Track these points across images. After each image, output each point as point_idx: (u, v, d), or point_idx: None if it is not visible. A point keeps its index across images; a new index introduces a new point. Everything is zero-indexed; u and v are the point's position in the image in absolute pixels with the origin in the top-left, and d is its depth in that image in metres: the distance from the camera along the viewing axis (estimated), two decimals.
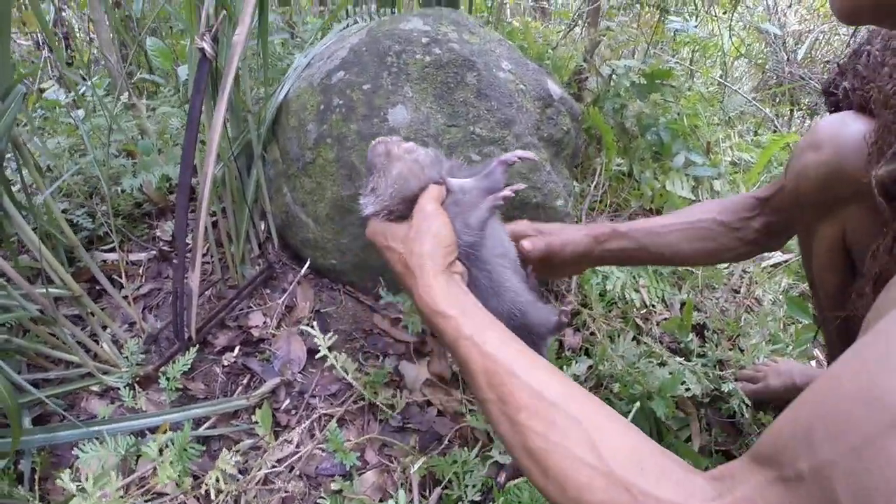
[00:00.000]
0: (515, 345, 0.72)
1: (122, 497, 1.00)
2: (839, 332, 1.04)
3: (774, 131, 3.11)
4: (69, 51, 2.63)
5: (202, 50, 1.22)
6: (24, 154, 1.19)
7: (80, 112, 2.02)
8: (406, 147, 0.90)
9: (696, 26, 2.61)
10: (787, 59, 3.82)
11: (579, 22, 2.65)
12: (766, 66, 3.95)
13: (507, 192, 0.89)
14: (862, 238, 0.91)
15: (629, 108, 2.21)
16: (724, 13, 3.59)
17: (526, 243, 1.03)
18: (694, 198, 2.14)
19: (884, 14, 0.69)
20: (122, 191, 1.65)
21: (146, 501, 1.05)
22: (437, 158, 0.91)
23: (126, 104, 2.04)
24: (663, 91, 2.31)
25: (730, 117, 3.09)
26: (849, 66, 0.97)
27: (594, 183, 1.98)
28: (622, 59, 2.22)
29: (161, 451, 1.05)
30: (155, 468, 1.06)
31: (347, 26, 1.76)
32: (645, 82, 2.18)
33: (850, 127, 0.90)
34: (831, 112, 0.99)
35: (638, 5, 3.08)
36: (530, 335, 0.89)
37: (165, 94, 2.23)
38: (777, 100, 3.87)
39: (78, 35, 2.73)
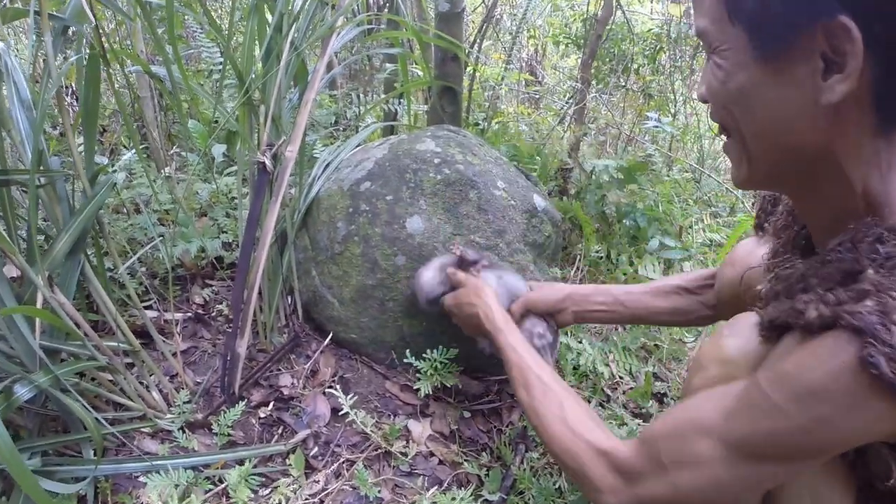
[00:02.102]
0: (532, 353, 1.31)
1: None
2: None
3: (746, 213, 3.55)
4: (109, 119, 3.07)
5: (263, 164, 1.64)
6: (105, 232, 1.56)
7: (121, 175, 2.41)
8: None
9: (670, 121, 3.08)
10: None
11: (566, 117, 3.12)
12: None
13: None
14: None
15: (608, 197, 2.66)
16: None
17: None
18: None
19: (776, 184, 0.99)
20: (161, 257, 2.01)
21: None
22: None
23: (166, 176, 2.45)
24: (640, 181, 2.76)
25: (708, 197, 3.54)
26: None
27: (574, 268, 2.42)
28: (603, 155, 2.67)
29: (221, 479, 1.43)
30: (205, 500, 1.44)
31: (366, 125, 2.21)
32: (622, 176, 2.64)
33: (756, 252, 1.25)
34: (755, 222, 1.39)
35: (624, 89, 3.57)
36: None
37: (195, 168, 2.65)
38: None
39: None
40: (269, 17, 1.69)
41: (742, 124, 0.87)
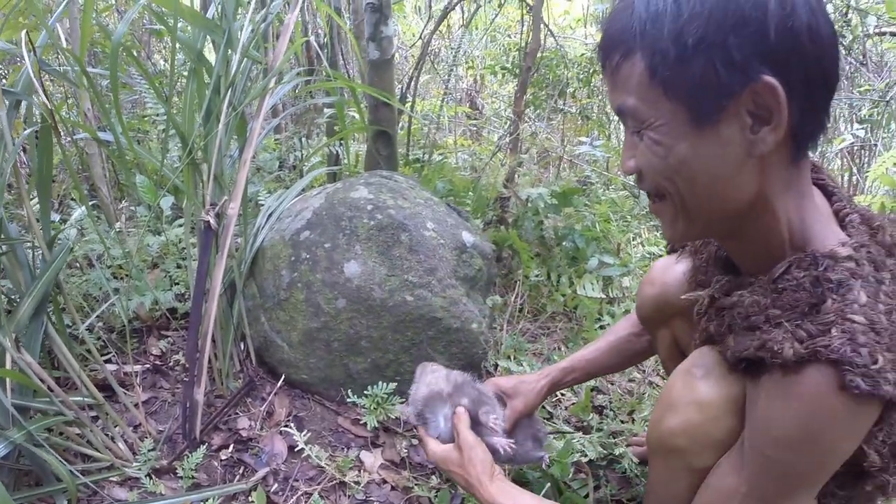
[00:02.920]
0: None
1: None
2: None
3: None
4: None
5: (207, 222, 1.79)
6: (63, 290, 1.67)
7: (72, 232, 2.51)
8: (432, 368, 1.57)
9: (603, 144, 3.28)
10: None
11: (502, 148, 3.29)
12: None
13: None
14: (684, 339, 1.45)
15: (546, 222, 2.84)
16: None
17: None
18: (604, 296, 2.74)
19: (709, 234, 1.11)
20: (117, 311, 2.10)
21: None
22: (461, 383, 1.52)
23: (117, 231, 2.57)
24: (576, 203, 2.95)
25: (646, 212, 3.71)
26: None
27: (514, 294, 2.60)
28: (540, 182, 2.85)
29: None
30: None
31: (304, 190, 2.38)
32: (557, 202, 2.82)
33: (674, 268, 1.42)
34: (667, 247, 1.54)
35: (560, 113, 3.76)
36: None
37: (143, 221, 2.78)
38: None
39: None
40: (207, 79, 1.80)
41: (683, 190, 0.93)
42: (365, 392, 1.75)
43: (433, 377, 1.54)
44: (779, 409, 0.94)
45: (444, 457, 1.39)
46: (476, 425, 1.44)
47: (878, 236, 0.98)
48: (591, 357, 1.69)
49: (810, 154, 0.96)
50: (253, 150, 1.92)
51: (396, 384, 1.81)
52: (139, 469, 1.72)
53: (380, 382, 1.76)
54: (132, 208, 2.88)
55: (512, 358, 2.25)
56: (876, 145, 3.80)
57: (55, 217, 2.63)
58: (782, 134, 0.86)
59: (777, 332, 0.93)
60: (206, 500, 1.63)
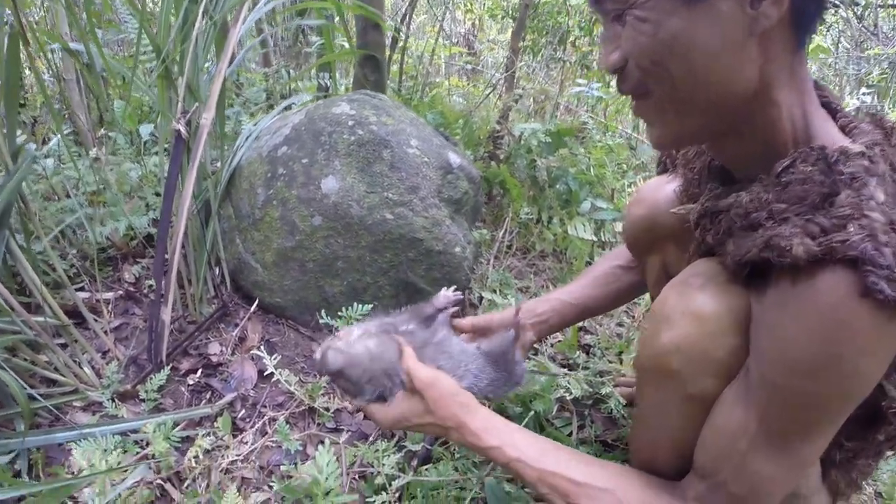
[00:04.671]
0: (546, 448, 1.04)
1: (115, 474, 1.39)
2: None
3: None
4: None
5: (178, 131, 1.64)
6: (29, 207, 1.54)
7: (49, 161, 2.38)
8: (344, 336, 1.14)
9: (602, 87, 3.12)
10: None
11: (497, 86, 3.15)
12: None
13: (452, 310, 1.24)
14: (674, 264, 1.32)
15: (539, 162, 2.69)
16: None
17: (457, 321, 1.37)
18: (596, 239, 2.61)
19: (702, 135, 0.94)
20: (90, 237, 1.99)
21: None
22: (380, 326, 1.19)
23: (93, 157, 2.43)
24: (572, 146, 2.80)
25: (642, 162, 3.59)
26: None
27: (503, 230, 2.45)
28: (532, 120, 2.70)
29: (152, 436, 1.44)
30: (137, 461, 1.45)
31: (290, 100, 2.22)
32: (551, 140, 2.67)
33: (664, 188, 1.29)
34: (657, 167, 1.39)
35: (560, 62, 3.61)
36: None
37: (123, 149, 2.63)
38: None
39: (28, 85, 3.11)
40: None
41: (676, 73, 0.82)
42: (339, 314, 1.59)
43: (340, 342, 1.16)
44: (790, 325, 0.80)
45: (401, 414, 1.11)
46: (423, 348, 1.18)
47: (893, 139, 0.85)
48: (572, 291, 1.54)
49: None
50: (230, 62, 1.77)
51: (373, 307, 1.64)
52: (102, 393, 1.61)
53: (355, 305, 1.59)
54: (109, 135, 2.71)
55: (497, 291, 2.11)
56: (882, 108, 3.67)
57: (31, 147, 2.46)
58: (785, 7, 0.76)
59: (784, 227, 0.81)
60: (166, 424, 1.50)
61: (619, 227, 2.77)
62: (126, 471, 1.36)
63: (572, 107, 3.52)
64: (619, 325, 2.24)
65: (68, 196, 2.24)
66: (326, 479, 1.17)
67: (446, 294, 1.27)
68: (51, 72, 2.62)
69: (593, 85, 2.97)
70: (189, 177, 1.65)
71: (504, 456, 1.03)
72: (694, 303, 0.94)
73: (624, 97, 3.47)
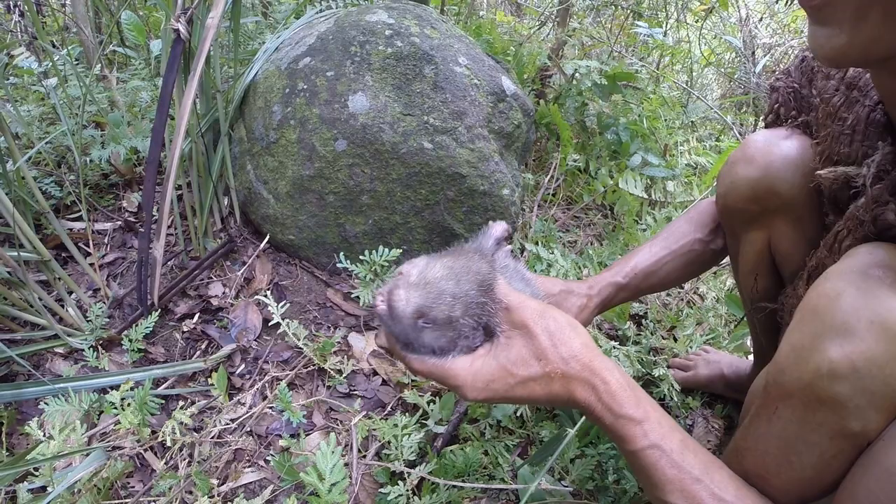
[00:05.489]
0: (687, 444, 0.75)
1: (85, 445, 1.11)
2: (763, 325, 1.17)
3: (736, 139, 3.26)
4: (41, 16, 2.69)
5: (177, 31, 1.32)
6: (3, 122, 1.28)
7: (52, 81, 2.10)
8: (408, 270, 0.74)
9: (663, 34, 2.75)
10: (755, 70, 3.99)
11: (549, 21, 2.78)
12: (734, 76, 4.13)
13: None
14: (784, 245, 1.04)
15: (590, 106, 2.34)
16: (697, 21, 3.74)
17: None
18: (646, 197, 2.28)
19: (872, 61, 0.71)
20: (91, 161, 1.73)
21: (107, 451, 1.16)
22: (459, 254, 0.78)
23: (98, 76, 2.12)
24: (625, 93, 2.45)
25: (692, 122, 3.23)
26: (792, 69, 1.08)
27: (549, 176, 2.11)
28: (585, 60, 2.36)
29: (123, 402, 1.15)
30: (117, 422, 1.17)
31: (321, 11, 1.87)
32: (606, 83, 2.31)
33: (781, 145, 1.00)
34: (767, 118, 1.10)
35: (613, 7, 3.23)
36: None
37: (136, 68, 2.31)
38: (742, 109, 4.04)
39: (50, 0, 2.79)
40: None
41: None
42: (361, 258, 1.25)
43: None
44: None
45: (499, 367, 0.73)
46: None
47: None
48: (649, 268, 1.24)
49: None
50: None
51: (402, 253, 1.30)
52: (84, 339, 1.38)
53: (381, 248, 1.26)
54: (120, 51, 2.38)
55: (541, 244, 1.78)
56: None
57: (33, 64, 2.16)
58: None
59: None
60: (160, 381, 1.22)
61: (670, 186, 2.45)
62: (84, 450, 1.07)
63: (625, 54, 3.14)
64: (668, 294, 1.95)
65: (74, 117, 1.94)
66: (330, 490, 0.86)
67: (501, 224, 0.89)
68: None
69: (657, 30, 2.58)
70: (190, 85, 1.33)
71: (643, 437, 0.73)
72: (887, 310, 0.64)
73: (680, 49, 3.06)
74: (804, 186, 0.95)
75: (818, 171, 0.87)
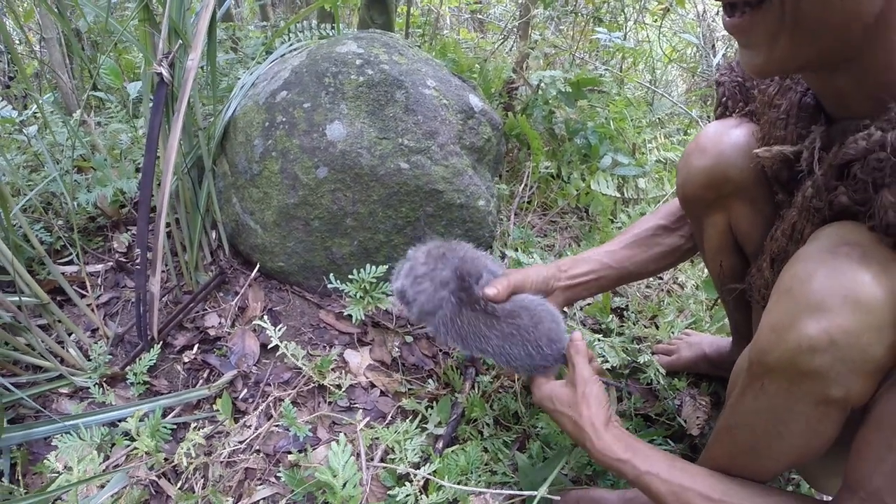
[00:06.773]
0: (675, 464, 0.97)
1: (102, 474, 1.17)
2: (736, 303, 1.28)
3: None
4: (10, 65, 2.75)
5: (160, 75, 1.39)
6: None
7: (32, 129, 2.15)
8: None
9: (621, 37, 2.84)
10: (716, 63, 4.11)
11: (511, 35, 2.87)
12: (697, 70, 4.25)
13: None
14: (744, 225, 1.12)
15: (558, 114, 2.43)
16: (655, 20, 3.86)
17: (489, 289, 1.14)
18: (619, 196, 2.37)
19: (790, 72, 0.86)
20: (78, 205, 1.78)
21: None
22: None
23: (77, 121, 2.18)
24: (591, 97, 2.54)
25: (659, 119, 3.33)
26: (734, 65, 1.15)
27: (523, 185, 2.20)
28: (549, 69, 2.45)
29: (137, 429, 1.21)
30: (129, 452, 1.23)
31: (291, 45, 1.95)
32: (571, 90, 2.40)
33: (730, 133, 1.08)
34: (717, 111, 1.18)
35: (572, 15, 3.33)
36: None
37: (112, 111, 2.37)
38: (708, 101, 4.15)
39: (18, 48, 2.84)
40: None
41: None
42: (350, 277, 1.33)
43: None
44: None
45: (553, 393, 1.11)
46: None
47: None
48: (609, 249, 1.34)
49: None
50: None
51: (388, 268, 1.39)
52: (89, 378, 1.41)
53: (368, 266, 1.34)
54: (97, 96, 2.44)
55: (520, 250, 1.87)
56: None
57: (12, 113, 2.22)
58: None
59: None
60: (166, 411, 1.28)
61: (642, 183, 2.54)
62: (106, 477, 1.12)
63: (587, 58, 3.24)
64: (648, 286, 2.03)
65: (57, 163, 1.99)
66: (344, 486, 0.93)
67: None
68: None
69: (614, 35, 2.68)
70: (175, 126, 1.40)
71: (634, 469, 0.97)
72: (857, 284, 0.71)
73: (640, 50, 3.16)
74: (754, 169, 1.04)
75: (755, 151, 0.96)
